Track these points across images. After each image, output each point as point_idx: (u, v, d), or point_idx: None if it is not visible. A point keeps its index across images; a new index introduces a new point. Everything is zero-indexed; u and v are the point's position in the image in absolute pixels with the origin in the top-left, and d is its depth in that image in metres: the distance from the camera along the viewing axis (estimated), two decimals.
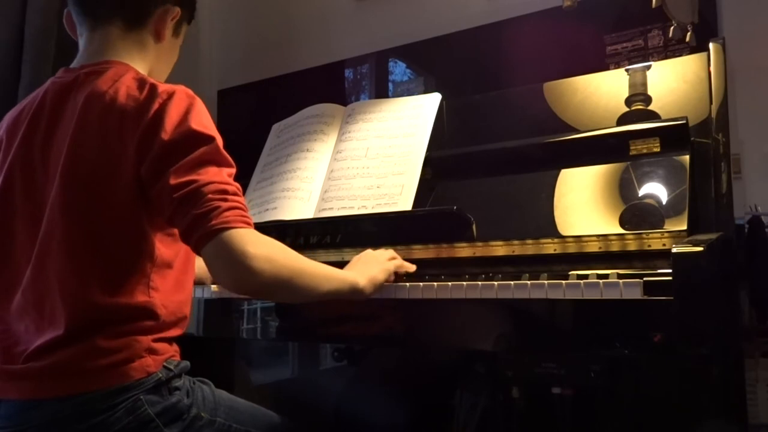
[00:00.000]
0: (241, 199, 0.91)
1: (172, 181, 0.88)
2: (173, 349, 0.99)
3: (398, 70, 1.95)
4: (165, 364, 0.94)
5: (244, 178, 1.59)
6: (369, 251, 1.17)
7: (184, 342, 1.02)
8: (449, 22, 1.87)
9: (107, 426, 0.88)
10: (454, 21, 1.85)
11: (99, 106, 0.94)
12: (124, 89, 0.94)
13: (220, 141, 0.94)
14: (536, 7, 1.67)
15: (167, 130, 0.90)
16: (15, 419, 0.89)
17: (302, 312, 1.24)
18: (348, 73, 2.04)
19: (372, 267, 1.09)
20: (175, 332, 0.99)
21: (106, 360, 0.89)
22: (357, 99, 1.97)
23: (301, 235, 1.40)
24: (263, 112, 2.13)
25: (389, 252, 1.18)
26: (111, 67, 0.99)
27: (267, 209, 1.48)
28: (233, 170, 0.94)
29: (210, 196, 0.88)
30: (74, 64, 1.04)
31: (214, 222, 0.86)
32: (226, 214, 0.87)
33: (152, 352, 0.93)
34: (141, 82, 0.95)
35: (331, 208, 1.40)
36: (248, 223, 0.89)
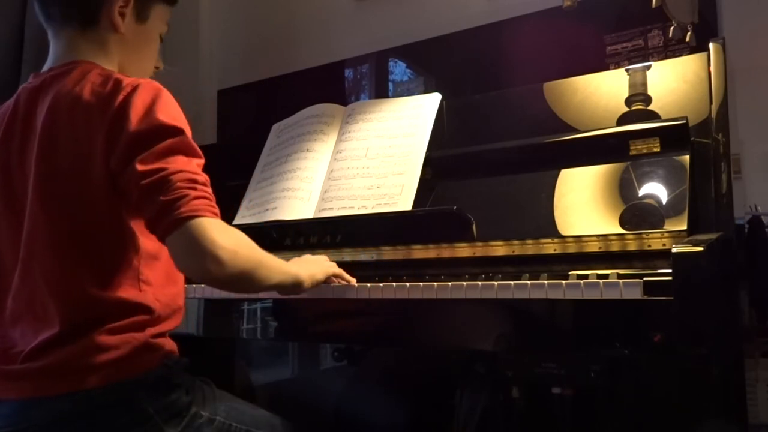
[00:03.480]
0: (209, 189, 0.91)
1: (140, 168, 0.87)
2: (171, 345, 0.99)
3: (398, 70, 1.95)
4: (164, 361, 0.95)
5: (244, 178, 1.60)
6: (308, 255, 1.18)
7: (184, 342, 1.02)
8: (449, 22, 1.87)
9: (106, 423, 0.88)
10: (454, 21, 1.85)
11: (65, 105, 0.94)
12: (89, 86, 0.94)
13: (188, 132, 0.93)
14: (536, 7, 1.67)
15: (133, 121, 0.89)
16: (15, 419, 0.89)
17: (302, 312, 1.24)
18: (348, 73, 2.04)
19: (312, 266, 1.12)
20: (170, 324, 0.99)
21: (104, 357, 0.89)
22: (357, 99, 1.97)
23: (301, 235, 1.40)
24: (263, 112, 2.13)
25: (326, 259, 1.19)
26: (77, 67, 0.98)
27: (267, 209, 1.48)
28: (202, 161, 0.94)
29: (179, 184, 0.87)
30: (44, 69, 1.04)
31: (182, 209, 0.85)
32: (195, 202, 0.86)
33: (151, 348, 0.93)
34: (106, 77, 0.95)
35: (331, 208, 1.40)
36: (216, 214, 0.89)
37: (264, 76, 2.18)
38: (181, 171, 0.88)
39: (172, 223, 0.86)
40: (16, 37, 1.81)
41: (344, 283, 1.16)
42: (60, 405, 0.88)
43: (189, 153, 0.91)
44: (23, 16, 1.83)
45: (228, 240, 0.87)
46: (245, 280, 0.92)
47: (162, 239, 0.89)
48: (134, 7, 1.04)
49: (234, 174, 1.62)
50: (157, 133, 0.89)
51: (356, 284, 1.15)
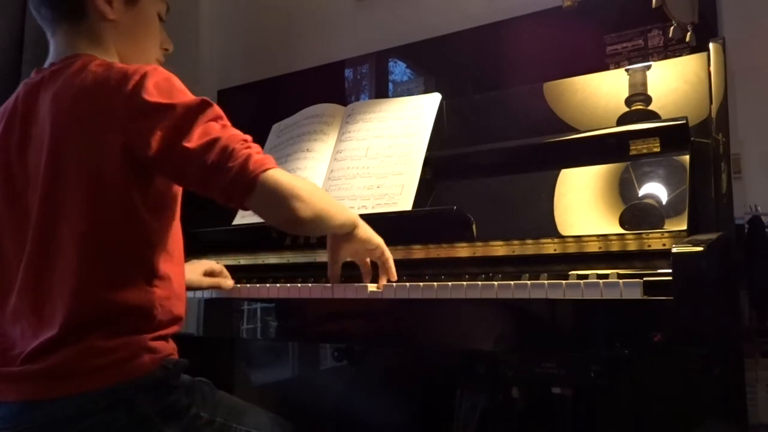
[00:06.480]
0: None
1: (192, 146, 0.89)
2: (171, 348, 0.98)
3: (398, 70, 1.95)
4: (163, 363, 0.94)
5: None
6: None
7: (184, 342, 1.02)
8: (449, 22, 1.87)
9: (106, 425, 0.88)
10: (454, 21, 1.85)
11: (69, 98, 0.93)
12: (91, 76, 0.93)
13: (209, 102, 0.95)
14: (536, 7, 1.67)
15: (160, 109, 0.89)
16: (14, 420, 0.89)
17: (302, 312, 1.24)
18: (348, 73, 2.04)
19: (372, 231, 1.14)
20: (171, 330, 0.99)
21: (103, 359, 0.89)
22: (357, 99, 1.97)
23: (301, 235, 1.40)
24: (263, 112, 2.13)
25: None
26: (77, 60, 0.97)
27: None
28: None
29: (237, 146, 0.91)
30: (45, 65, 1.02)
31: (251, 168, 0.90)
32: (258, 158, 0.92)
33: (150, 350, 0.93)
34: (107, 67, 0.94)
35: None
36: (275, 164, 0.95)
37: (264, 76, 2.18)
38: (231, 135, 0.93)
39: (248, 185, 0.90)
40: (16, 37, 1.81)
41: (389, 267, 1.15)
42: (59, 407, 0.87)
43: (218, 119, 0.95)
44: (23, 17, 1.83)
45: (297, 180, 0.97)
46: (320, 219, 0.99)
47: (241, 204, 0.93)
48: None
49: None
50: (189, 112, 0.91)
51: (395, 284, 1.13)
